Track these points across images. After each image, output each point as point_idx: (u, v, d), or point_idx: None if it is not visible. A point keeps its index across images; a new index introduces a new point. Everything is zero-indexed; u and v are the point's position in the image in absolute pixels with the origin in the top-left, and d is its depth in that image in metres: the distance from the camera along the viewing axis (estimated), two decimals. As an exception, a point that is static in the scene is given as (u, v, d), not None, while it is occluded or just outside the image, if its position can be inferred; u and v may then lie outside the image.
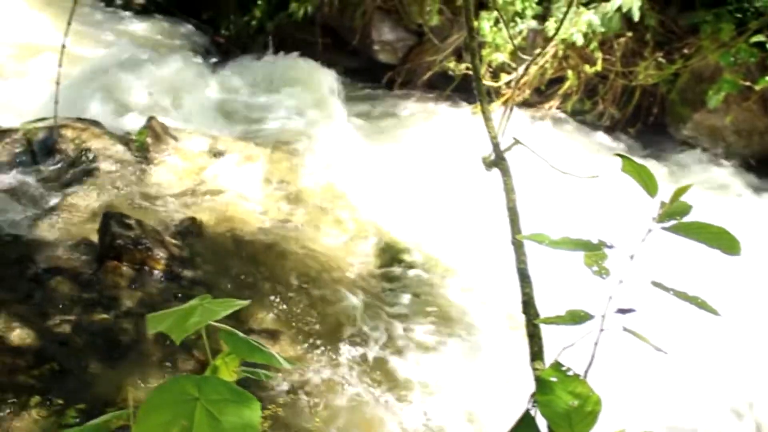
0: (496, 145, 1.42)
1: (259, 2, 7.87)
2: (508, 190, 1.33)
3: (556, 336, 1.18)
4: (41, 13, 8.15)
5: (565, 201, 4.82)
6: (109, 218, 4.07)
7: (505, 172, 1.36)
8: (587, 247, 1.02)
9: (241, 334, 1.22)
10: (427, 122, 6.74)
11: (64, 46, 2.13)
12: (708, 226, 1.02)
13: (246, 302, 1.41)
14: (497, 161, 1.40)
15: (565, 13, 5.48)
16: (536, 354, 1.11)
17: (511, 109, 1.70)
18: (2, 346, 3.45)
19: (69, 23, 2.10)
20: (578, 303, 1.13)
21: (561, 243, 1.03)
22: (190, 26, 8.59)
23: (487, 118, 1.44)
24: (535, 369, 1.08)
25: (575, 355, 1.07)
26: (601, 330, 1.06)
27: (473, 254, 4.78)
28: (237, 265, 4.33)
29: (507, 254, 4.40)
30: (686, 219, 1.02)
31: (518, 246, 1.23)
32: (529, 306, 1.16)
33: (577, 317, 1.05)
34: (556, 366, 0.99)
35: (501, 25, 7.10)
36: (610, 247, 1.05)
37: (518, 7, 7.03)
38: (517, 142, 1.65)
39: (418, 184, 5.43)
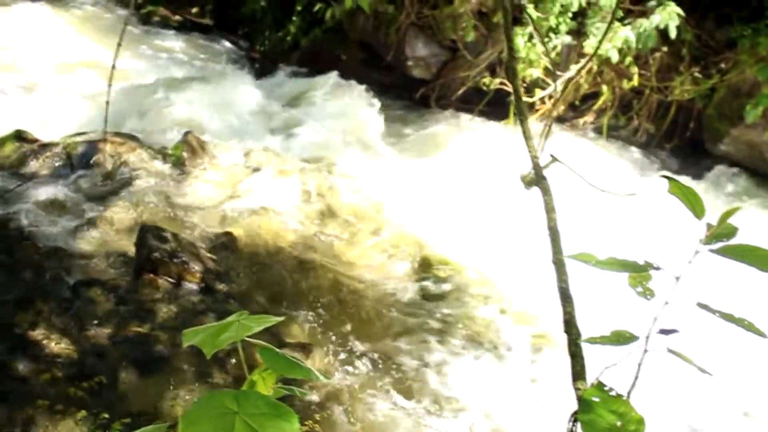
0: (536, 165, 1.41)
1: (294, 18, 7.95)
2: (549, 209, 1.32)
3: (598, 355, 1.17)
4: (82, 31, 8.32)
5: (602, 219, 4.77)
6: (146, 231, 4.12)
7: (546, 192, 1.35)
8: (634, 269, 1.01)
9: (277, 350, 1.22)
10: (460, 137, 6.73)
11: (114, 67, 2.16)
12: (756, 248, 1.01)
13: (280, 319, 1.41)
14: (538, 181, 1.39)
15: (604, 34, 5.44)
16: (578, 373, 1.10)
17: (550, 126, 1.69)
18: (42, 356, 3.50)
19: (119, 44, 2.14)
20: (618, 323, 1.12)
21: (607, 264, 1.02)
22: (226, 42, 8.70)
23: (527, 137, 1.44)
24: (577, 389, 1.07)
25: (617, 375, 1.06)
26: (645, 351, 1.05)
27: (509, 271, 4.75)
28: (271, 279, 4.35)
29: (543, 272, 4.37)
30: (733, 241, 1.01)
31: (559, 265, 1.23)
32: (570, 325, 1.15)
33: (621, 338, 1.04)
34: (599, 386, 0.98)
35: (535, 40, 7.09)
36: (658, 269, 1.04)
37: (552, 22, 7.01)
38: (554, 159, 1.64)
39: (452, 200, 5.42)
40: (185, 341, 1.29)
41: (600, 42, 5.99)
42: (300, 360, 1.28)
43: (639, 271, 1.03)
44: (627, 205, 3.87)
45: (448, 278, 4.75)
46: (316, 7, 7.39)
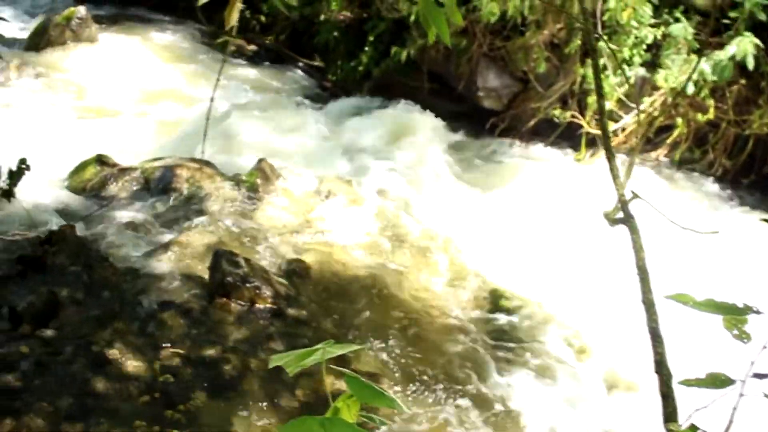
0: (624, 204, 1.40)
1: (366, 48, 8.06)
2: (638, 248, 1.31)
3: (686, 397, 1.15)
4: (162, 61, 8.60)
5: (682, 256, 4.66)
6: (220, 256, 4.21)
7: (634, 230, 1.34)
8: (733, 312, 1.00)
9: (363, 379, 1.24)
10: (530, 169, 6.69)
11: (212, 100, 2.23)
12: None
13: (362, 347, 1.43)
14: (625, 219, 1.38)
15: (690, 75, 5.35)
16: (670, 415, 1.08)
17: (632, 163, 1.68)
18: (117, 374, 3.60)
19: (218, 80, 2.20)
20: (709, 365, 1.10)
21: (705, 305, 1.00)
22: (299, 71, 8.86)
23: (614, 176, 1.43)
24: (669, 430, 1.06)
25: (708, 418, 1.04)
26: (741, 395, 1.03)
27: (577, 306, 4.69)
28: (340, 305, 4.39)
29: (613, 308, 4.30)
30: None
31: (649, 305, 1.21)
32: (661, 366, 1.14)
33: (717, 381, 1.02)
34: (693, 428, 0.97)
35: (608, 72, 7.03)
36: (758, 312, 1.02)
37: (626, 54, 6.94)
38: (635, 196, 1.62)
39: (522, 233, 5.39)
40: (272, 363, 1.32)
41: (688, 78, 5.85)
42: (383, 389, 1.29)
43: (738, 315, 1.01)
44: (707, 243, 3.79)
45: (516, 311, 4.71)
46: (393, 51, 7.46)
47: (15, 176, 4.12)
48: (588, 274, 4.90)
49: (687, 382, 1.05)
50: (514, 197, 6.00)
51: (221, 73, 2.13)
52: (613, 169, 1.46)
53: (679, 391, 1.16)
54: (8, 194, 4.15)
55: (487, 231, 5.41)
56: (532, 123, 7.38)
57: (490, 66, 7.46)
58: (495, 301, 4.80)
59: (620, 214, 1.46)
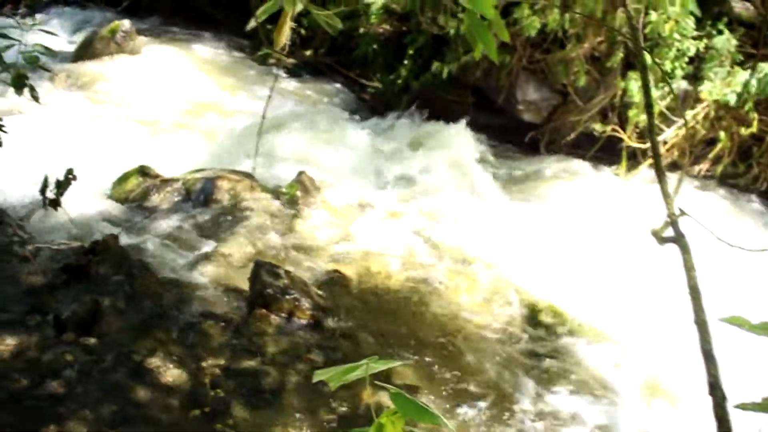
0: (675, 223, 1.38)
1: (405, 62, 8.08)
2: (689, 267, 1.30)
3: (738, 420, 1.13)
4: (204, 73, 8.71)
5: (727, 273, 4.58)
6: (260, 267, 4.24)
7: (685, 250, 1.32)
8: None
9: (407, 395, 1.24)
10: (569, 183, 6.65)
11: (263, 117, 2.26)
12: None
13: (405, 362, 1.44)
14: (676, 239, 1.36)
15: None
16: (725, 438, 1.07)
17: (681, 180, 1.65)
18: (158, 384, 3.64)
19: (269, 97, 2.24)
20: (761, 389, 1.08)
21: (762, 328, 0.99)
22: (338, 84, 8.91)
23: (665, 195, 1.41)
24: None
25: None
26: (798, 420, 1.00)
27: (618, 322, 4.63)
28: (379, 318, 4.39)
29: (656, 325, 4.23)
30: None
31: (702, 326, 1.20)
32: (715, 388, 1.12)
33: (776, 406, 1.00)
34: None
35: (650, 84, 6.96)
36: (821, 336, 1.00)
37: (668, 67, 6.87)
38: (682, 213, 1.60)
39: (561, 247, 5.34)
40: (316, 378, 1.33)
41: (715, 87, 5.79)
42: (428, 406, 1.29)
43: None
44: (753, 260, 3.72)
45: (556, 326, 4.67)
46: (434, 66, 7.47)
47: (62, 186, 4.19)
48: (630, 291, 4.84)
49: (743, 406, 1.03)
50: (553, 211, 5.95)
51: (273, 90, 2.15)
52: (664, 189, 1.45)
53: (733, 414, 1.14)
54: (55, 204, 4.22)
55: (527, 246, 5.38)
56: (571, 136, 7.33)
57: (530, 79, 7.43)
58: (535, 317, 4.77)
59: (669, 232, 1.44)
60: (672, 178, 6.44)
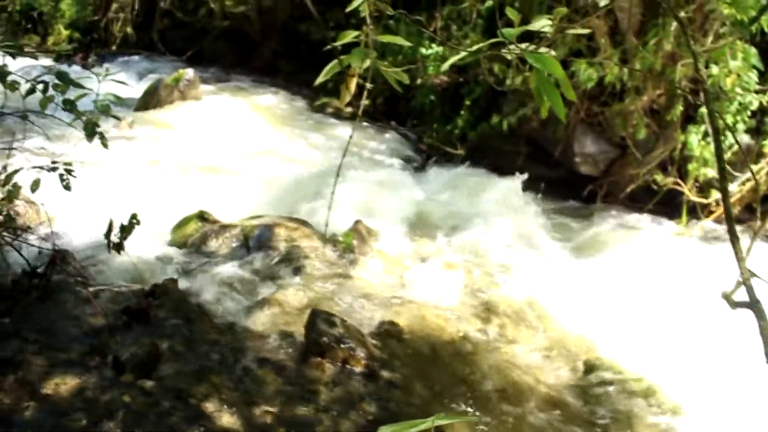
0: (750, 288, 1.36)
1: (462, 113, 8.14)
2: (766, 335, 1.27)
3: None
4: (263, 120, 8.91)
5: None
6: (316, 316, 4.26)
7: (761, 316, 1.29)
8: None
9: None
10: (628, 237, 6.55)
11: (340, 166, 2.29)
12: None
13: (469, 418, 1.43)
14: (752, 304, 1.34)
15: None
16: None
17: (754, 240, 1.63)
18: (212, 430, 3.66)
19: (344, 153, 2.27)
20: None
21: None
22: (395, 133, 9.01)
23: (738, 257, 1.39)
24: None
25: None
26: None
27: (678, 382, 4.51)
28: (433, 370, 4.36)
29: (713, 386, 4.11)
30: None
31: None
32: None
33: None
34: None
35: (710, 139, 6.87)
36: None
37: (729, 120, 6.78)
38: (752, 275, 1.57)
39: (618, 302, 5.25)
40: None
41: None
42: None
43: None
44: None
45: (614, 383, 4.56)
46: (493, 119, 7.51)
47: (126, 230, 4.30)
48: (690, 350, 4.72)
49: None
50: (611, 266, 5.87)
51: (348, 145, 2.19)
52: (736, 250, 1.42)
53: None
54: (119, 247, 4.34)
55: (585, 300, 5.30)
56: (629, 189, 7.26)
57: (588, 131, 7.41)
58: (590, 372, 4.67)
59: (741, 295, 1.41)
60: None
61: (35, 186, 4.15)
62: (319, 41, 10.60)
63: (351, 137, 2.22)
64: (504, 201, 6.73)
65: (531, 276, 5.59)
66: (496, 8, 7.33)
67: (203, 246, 5.60)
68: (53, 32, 13.43)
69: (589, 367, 4.66)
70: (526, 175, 7.10)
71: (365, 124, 9.34)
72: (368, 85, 1.86)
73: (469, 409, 4.05)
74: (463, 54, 1.80)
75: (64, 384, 3.74)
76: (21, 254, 4.57)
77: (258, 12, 11.70)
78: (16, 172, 4.15)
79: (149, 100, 9.20)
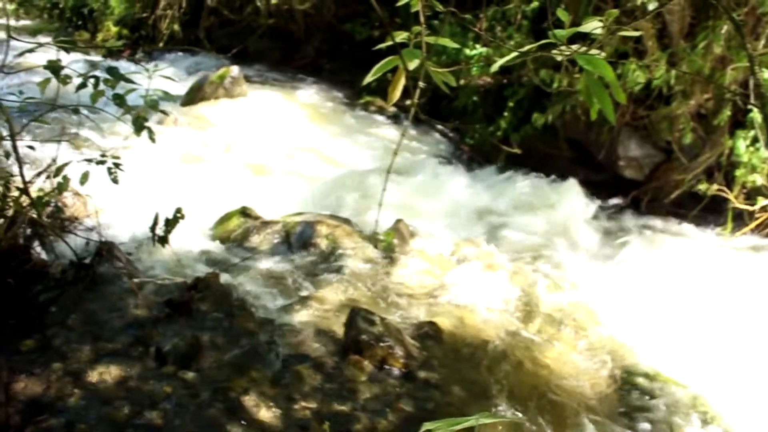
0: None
1: (505, 114, 8.10)
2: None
3: None
4: (306, 118, 8.97)
5: None
6: (356, 314, 4.28)
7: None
8: None
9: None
10: (671, 243, 6.46)
11: (391, 165, 2.30)
12: None
13: (513, 418, 1.44)
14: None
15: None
16: None
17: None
18: (251, 422, 3.69)
19: (395, 153, 2.28)
20: None
21: None
22: (436, 134, 9.00)
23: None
24: None
25: None
26: None
27: (720, 390, 4.44)
28: (471, 371, 4.35)
29: (760, 398, 4.04)
30: None
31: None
32: None
33: None
34: None
35: (759, 144, 6.75)
36: None
37: (779, 126, 6.65)
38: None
39: (661, 309, 5.18)
40: (424, 428, 1.36)
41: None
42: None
43: None
44: None
45: (655, 391, 4.51)
46: (534, 117, 7.47)
47: (171, 224, 4.37)
48: (731, 359, 4.65)
49: None
50: (654, 272, 5.79)
51: (399, 146, 2.20)
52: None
53: None
54: (163, 241, 4.40)
55: (626, 306, 5.24)
56: (674, 195, 7.16)
57: (632, 135, 7.32)
58: (632, 378, 4.62)
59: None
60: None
61: (84, 179, 4.24)
62: (361, 41, 10.66)
63: (402, 135, 2.24)
64: (546, 203, 6.69)
65: (572, 280, 5.54)
66: (549, 8, 7.28)
67: (245, 241, 5.66)
68: (102, 29, 13.67)
69: (630, 374, 4.61)
70: (571, 179, 7.05)
71: (407, 123, 9.35)
72: (421, 85, 1.86)
73: (505, 410, 4.03)
74: (512, 55, 1.80)
75: (108, 373, 3.81)
76: (69, 245, 4.66)
77: (303, 11, 11.77)
78: (66, 164, 4.24)
79: (195, 96, 9.32)
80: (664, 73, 6.73)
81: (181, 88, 9.54)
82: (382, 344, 4.15)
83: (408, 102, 9.30)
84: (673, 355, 4.73)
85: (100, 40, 13.35)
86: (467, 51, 8.26)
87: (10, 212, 4.29)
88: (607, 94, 1.60)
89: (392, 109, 9.65)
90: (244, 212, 6.00)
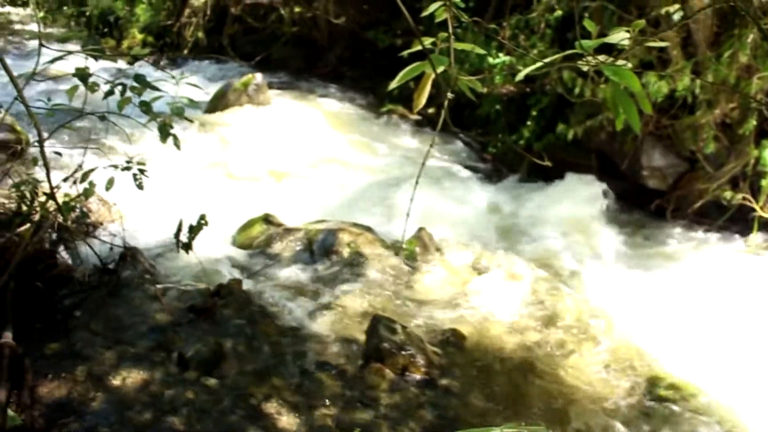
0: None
1: (528, 123, 8.08)
2: None
3: None
4: (330, 126, 9.00)
5: None
6: (378, 322, 4.29)
7: None
8: None
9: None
10: (695, 252, 6.41)
11: (417, 182, 2.31)
12: None
13: (541, 430, 1.44)
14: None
15: None
16: None
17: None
18: (273, 430, 3.71)
19: (423, 163, 2.29)
20: None
21: None
22: (459, 142, 9.00)
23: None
24: None
25: None
26: None
27: (744, 401, 4.39)
28: (492, 380, 4.33)
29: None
30: None
31: None
32: None
33: None
34: None
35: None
36: None
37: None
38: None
39: (684, 319, 5.14)
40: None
41: None
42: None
43: None
44: None
45: (678, 401, 4.46)
46: (559, 128, 7.45)
47: (195, 231, 4.40)
48: (757, 369, 4.59)
49: None
50: (678, 281, 5.75)
51: (426, 157, 2.20)
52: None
53: None
54: (187, 247, 4.44)
55: (649, 315, 5.20)
56: (698, 204, 7.09)
57: (656, 145, 7.27)
58: (654, 387, 4.58)
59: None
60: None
61: (110, 185, 4.28)
62: (383, 48, 10.68)
63: (431, 146, 2.24)
64: (569, 212, 6.66)
65: (595, 289, 5.51)
66: (576, 18, 7.26)
67: (268, 248, 5.68)
68: (128, 36, 13.81)
69: (654, 384, 4.57)
70: (594, 189, 7.01)
71: (430, 131, 9.35)
72: (449, 95, 1.86)
73: (526, 420, 4.01)
74: (538, 64, 1.80)
75: (130, 377, 3.84)
76: (93, 250, 4.71)
77: (326, 19, 11.83)
78: (92, 170, 4.29)
79: (218, 103, 9.39)
80: (688, 83, 6.69)
81: (204, 95, 9.61)
82: (403, 352, 4.15)
83: (431, 110, 9.34)
84: (697, 366, 4.69)
85: (125, 47, 13.49)
86: (490, 60, 8.25)
87: (36, 217, 4.34)
88: (633, 105, 1.59)
89: (414, 117, 9.66)
90: (267, 219, 6.03)
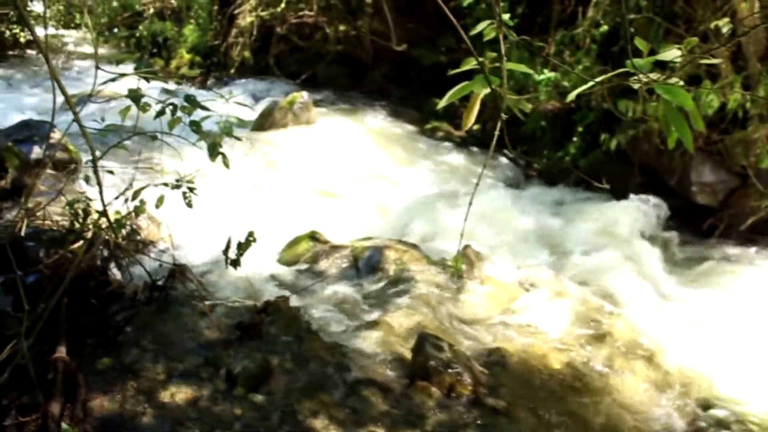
0: None
1: (574, 139, 8.02)
2: None
3: None
4: (374, 144, 9.04)
5: None
6: (424, 339, 4.27)
7: None
8: None
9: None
10: (747, 271, 6.27)
11: (470, 204, 2.33)
12: None
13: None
14: None
15: None
16: None
17: None
18: (319, 447, 3.72)
19: (477, 184, 2.31)
20: None
21: None
22: (503, 159, 8.97)
23: None
24: None
25: None
26: None
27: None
28: (539, 399, 4.29)
29: None
30: None
31: None
32: None
33: None
34: None
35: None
36: None
37: None
38: None
39: (737, 339, 5.03)
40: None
41: None
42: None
43: None
44: None
45: (731, 424, 4.36)
46: (602, 138, 7.38)
47: (243, 247, 4.45)
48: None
49: None
50: (728, 300, 5.63)
51: (480, 178, 2.21)
52: None
53: None
54: (235, 264, 4.48)
55: (698, 334, 5.11)
56: (750, 221, 6.95)
57: (706, 160, 7.16)
58: (705, 410, 4.48)
59: None
60: None
61: (159, 203, 4.35)
62: (428, 66, 10.72)
63: (484, 167, 2.24)
64: (616, 230, 6.58)
65: (643, 307, 5.43)
66: (624, 34, 7.20)
67: (314, 265, 5.72)
68: (176, 56, 14.08)
69: (705, 406, 4.48)
70: (643, 206, 6.92)
71: (475, 149, 9.34)
72: (503, 116, 1.86)
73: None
74: (589, 84, 1.80)
75: (179, 393, 3.88)
76: (143, 267, 4.79)
77: (371, 38, 11.92)
78: (143, 188, 4.37)
79: (265, 122, 9.50)
80: (739, 97, 6.58)
81: (251, 113, 9.75)
82: (450, 370, 4.13)
83: (476, 127, 9.31)
84: (752, 388, 4.58)
85: (173, 66, 13.75)
86: (536, 76, 8.22)
87: (89, 234, 4.43)
88: (685, 123, 1.58)
89: (458, 134, 9.66)
90: (313, 236, 6.07)
